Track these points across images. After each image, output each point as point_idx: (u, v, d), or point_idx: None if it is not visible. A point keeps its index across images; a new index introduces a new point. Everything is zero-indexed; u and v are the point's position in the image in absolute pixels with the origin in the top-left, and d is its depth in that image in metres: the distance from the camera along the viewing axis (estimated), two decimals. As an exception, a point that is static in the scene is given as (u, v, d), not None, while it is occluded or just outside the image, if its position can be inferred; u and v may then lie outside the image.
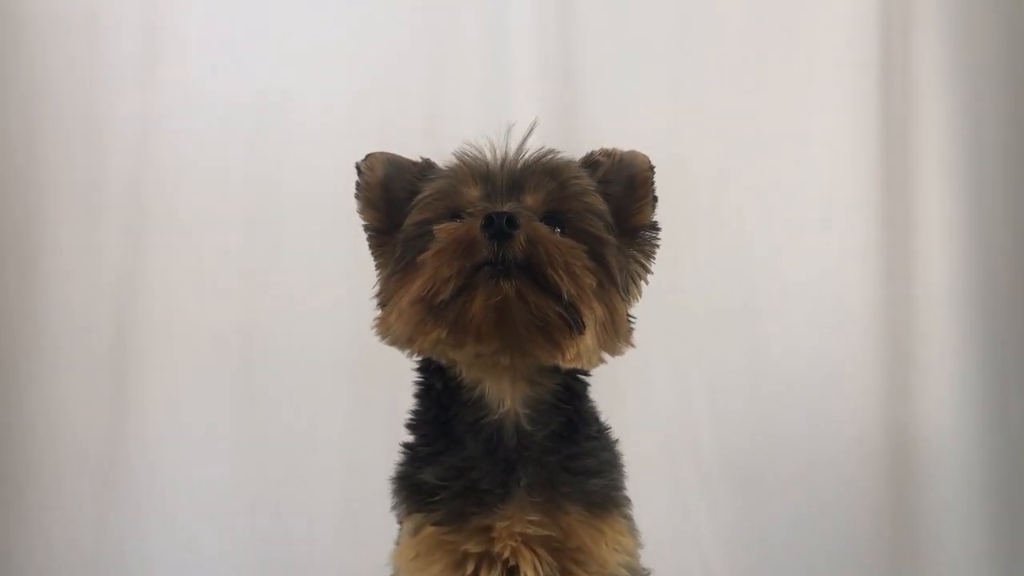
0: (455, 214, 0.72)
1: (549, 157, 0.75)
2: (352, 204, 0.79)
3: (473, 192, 0.73)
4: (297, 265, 1.32)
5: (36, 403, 1.29)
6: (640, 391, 1.20)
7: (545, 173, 0.73)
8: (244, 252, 1.33)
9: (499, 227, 0.65)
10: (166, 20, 1.33)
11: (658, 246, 0.79)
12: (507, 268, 0.65)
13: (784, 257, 1.37)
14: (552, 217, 0.72)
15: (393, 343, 0.72)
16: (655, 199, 0.79)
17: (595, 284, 0.68)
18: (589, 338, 0.68)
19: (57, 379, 1.29)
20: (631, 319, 0.75)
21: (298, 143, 1.33)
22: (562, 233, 0.71)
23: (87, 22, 1.31)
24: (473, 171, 0.74)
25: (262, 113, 1.34)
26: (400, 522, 0.75)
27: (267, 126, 1.34)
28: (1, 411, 1.28)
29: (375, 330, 0.73)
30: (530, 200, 0.72)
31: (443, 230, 0.69)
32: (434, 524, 0.70)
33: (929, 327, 1.35)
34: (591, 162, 0.78)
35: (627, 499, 0.76)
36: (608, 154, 0.79)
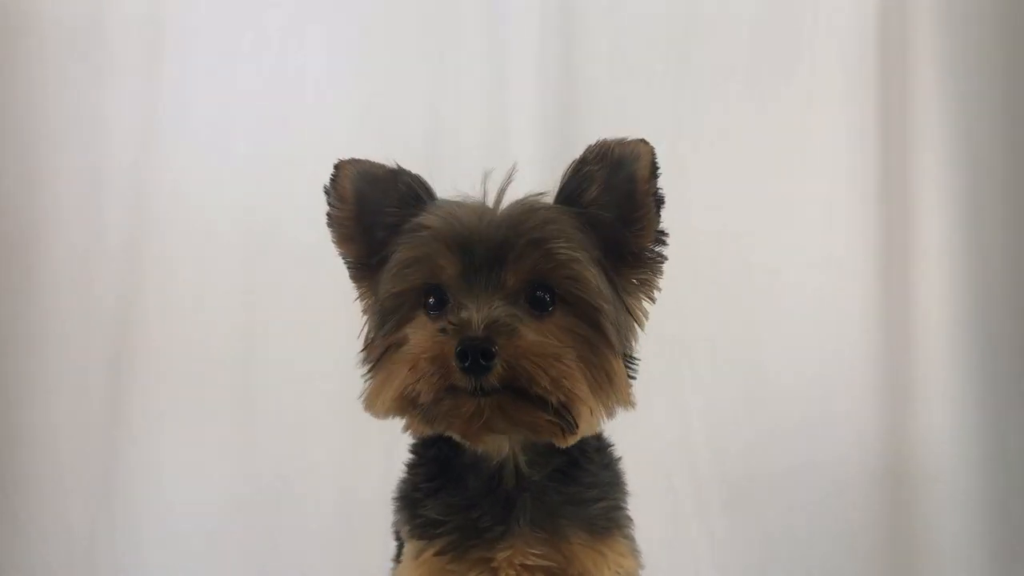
0: (432, 287, 0.69)
1: (532, 221, 0.68)
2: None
3: (450, 265, 0.67)
4: (296, 280, 1.30)
5: (33, 416, 1.28)
6: (637, 412, 1.16)
7: (528, 244, 0.67)
8: (243, 268, 1.32)
9: (474, 361, 0.61)
10: (168, 26, 1.32)
11: (666, 258, 0.74)
12: (487, 392, 0.63)
13: (781, 278, 1.36)
14: (540, 283, 0.68)
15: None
16: (660, 203, 0.72)
17: (588, 381, 0.65)
18: (584, 427, 0.66)
19: (54, 392, 1.28)
20: (632, 366, 0.72)
21: (300, 148, 1.31)
22: (552, 299, 0.67)
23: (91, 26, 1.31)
24: (449, 239, 0.68)
25: (263, 122, 1.33)
26: (398, 538, 0.75)
27: (268, 133, 1.33)
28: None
29: (362, 403, 0.70)
30: (511, 278, 0.67)
31: (417, 340, 0.66)
32: (435, 554, 0.70)
33: (927, 348, 1.34)
34: (582, 176, 0.71)
35: (628, 519, 0.75)
36: (604, 153, 0.71)
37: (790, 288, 1.36)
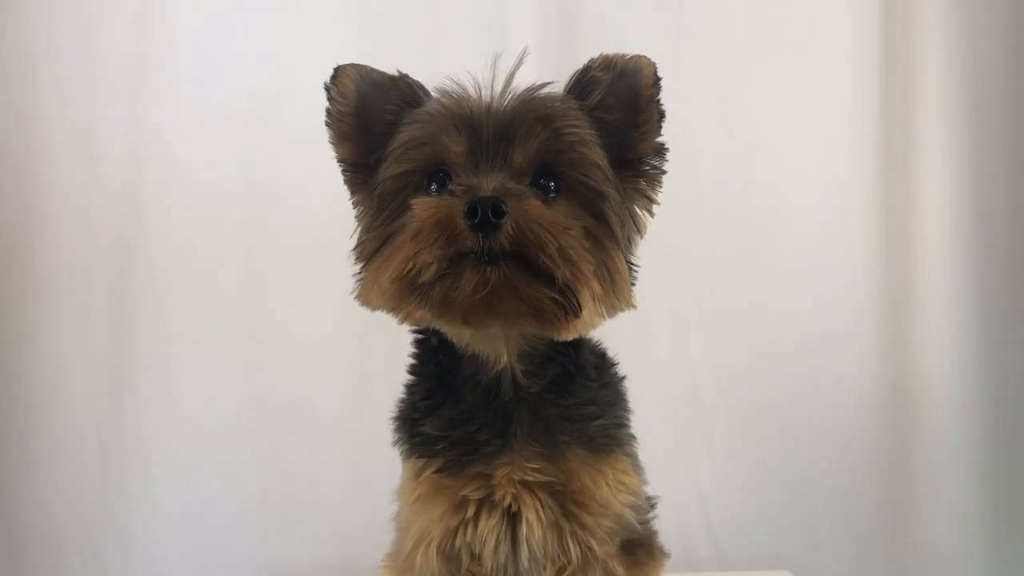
0: (436, 168, 0.67)
1: (540, 99, 0.68)
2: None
3: (456, 144, 0.66)
4: (299, 204, 1.28)
5: (40, 346, 1.29)
6: (639, 339, 1.17)
7: (536, 121, 0.66)
8: (245, 193, 1.31)
9: (484, 217, 0.59)
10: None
11: (666, 171, 0.74)
12: (493, 257, 0.60)
13: (784, 207, 1.35)
14: (545, 170, 0.67)
15: (375, 310, 0.68)
16: (661, 116, 0.72)
17: (593, 264, 0.63)
18: (587, 314, 0.64)
19: (60, 321, 1.29)
20: (633, 270, 0.71)
21: (296, 84, 1.26)
22: (556, 187, 0.66)
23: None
24: (456, 117, 0.66)
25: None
26: (403, 457, 0.76)
27: (265, 69, 1.31)
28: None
29: (355, 297, 0.68)
30: (519, 155, 0.65)
31: (422, 206, 0.63)
32: (434, 471, 0.71)
33: (928, 276, 1.34)
34: (587, 81, 0.71)
35: (630, 436, 0.76)
36: (607, 64, 0.71)
37: (792, 212, 1.35)
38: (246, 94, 1.31)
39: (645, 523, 0.76)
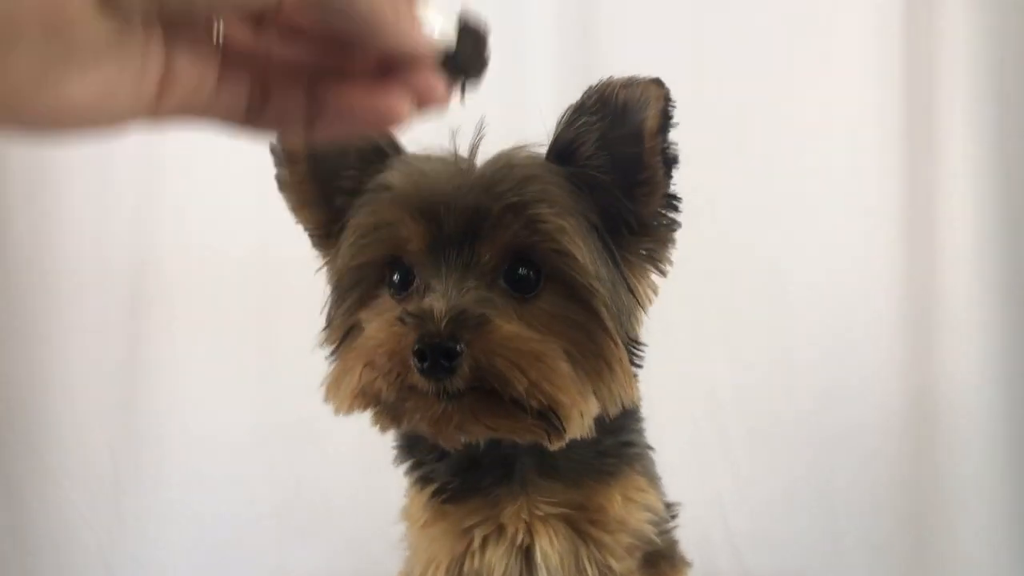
0: (394, 259, 0.60)
1: (510, 180, 0.57)
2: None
3: (416, 236, 0.58)
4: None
5: (52, 354, 1.28)
6: (659, 351, 1.14)
7: (506, 210, 0.56)
8: (259, 199, 1.29)
9: (433, 363, 0.52)
10: None
11: (679, 224, 0.64)
12: (451, 397, 0.54)
13: (806, 216, 1.33)
14: (521, 259, 0.58)
15: None
16: (670, 163, 0.61)
17: (579, 382, 0.56)
18: (575, 428, 0.58)
19: (73, 330, 1.28)
20: (636, 354, 0.63)
21: None
22: (536, 277, 0.58)
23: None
24: (414, 204, 0.58)
25: None
26: (407, 478, 0.73)
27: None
28: (15, 367, 1.28)
29: (324, 392, 0.62)
30: (487, 251, 0.57)
31: (373, 329, 0.57)
32: (441, 503, 0.67)
33: (953, 286, 1.31)
34: (577, 129, 0.60)
35: (641, 453, 0.72)
36: (602, 103, 0.59)
37: (813, 222, 1.32)
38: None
39: (665, 533, 0.73)
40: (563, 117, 0.61)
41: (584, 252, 0.57)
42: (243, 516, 1.30)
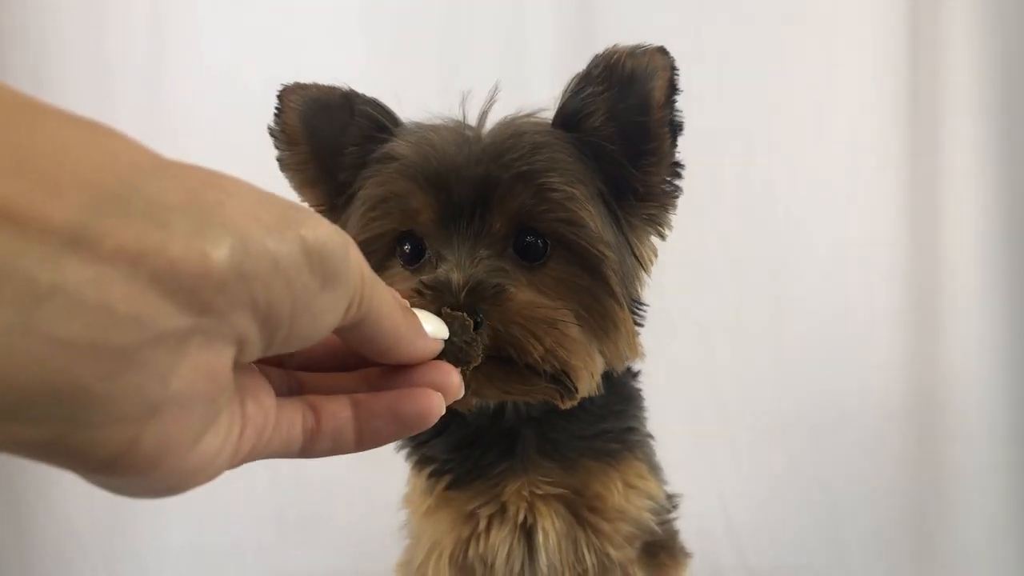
0: (405, 232, 0.61)
1: (519, 148, 0.58)
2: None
3: (425, 208, 0.58)
4: None
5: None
6: (662, 341, 1.14)
7: (515, 179, 0.57)
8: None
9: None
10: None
11: (681, 190, 0.64)
12: None
13: (809, 210, 1.33)
14: (529, 229, 0.59)
15: None
16: (676, 131, 0.61)
17: (589, 343, 0.58)
18: (585, 387, 0.59)
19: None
20: (638, 314, 0.64)
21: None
22: (545, 245, 0.58)
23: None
24: (422, 175, 0.58)
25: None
26: (410, 465, 0.74)
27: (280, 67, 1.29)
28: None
29: None
30: (498, 220, 0.57)
31: None
32: (444, 488, 0.68)
33: (956, 282, 1.31)
34: (585, 98, 0.60)
35: (643, 438, 0.72)
36: (608, 73, 0.59)
37: (817, 215, 1.32)
38: (261, 98, 1.30)
39: (666, 523, 0.73)
40: (569, 85, 0.62)
41: (594, 219, 0.58)
42: (243, 516, 1.30)
